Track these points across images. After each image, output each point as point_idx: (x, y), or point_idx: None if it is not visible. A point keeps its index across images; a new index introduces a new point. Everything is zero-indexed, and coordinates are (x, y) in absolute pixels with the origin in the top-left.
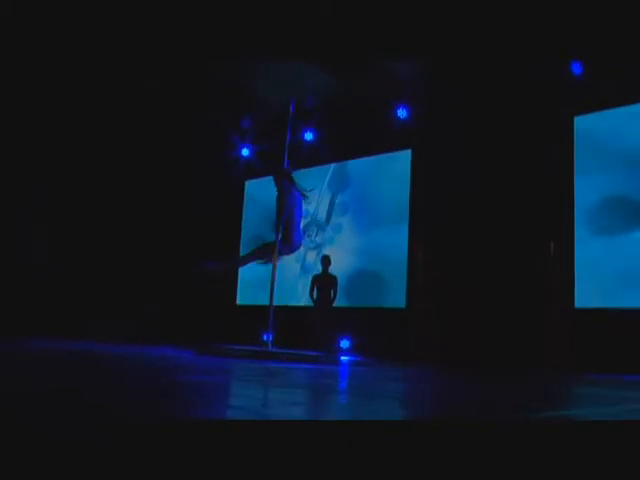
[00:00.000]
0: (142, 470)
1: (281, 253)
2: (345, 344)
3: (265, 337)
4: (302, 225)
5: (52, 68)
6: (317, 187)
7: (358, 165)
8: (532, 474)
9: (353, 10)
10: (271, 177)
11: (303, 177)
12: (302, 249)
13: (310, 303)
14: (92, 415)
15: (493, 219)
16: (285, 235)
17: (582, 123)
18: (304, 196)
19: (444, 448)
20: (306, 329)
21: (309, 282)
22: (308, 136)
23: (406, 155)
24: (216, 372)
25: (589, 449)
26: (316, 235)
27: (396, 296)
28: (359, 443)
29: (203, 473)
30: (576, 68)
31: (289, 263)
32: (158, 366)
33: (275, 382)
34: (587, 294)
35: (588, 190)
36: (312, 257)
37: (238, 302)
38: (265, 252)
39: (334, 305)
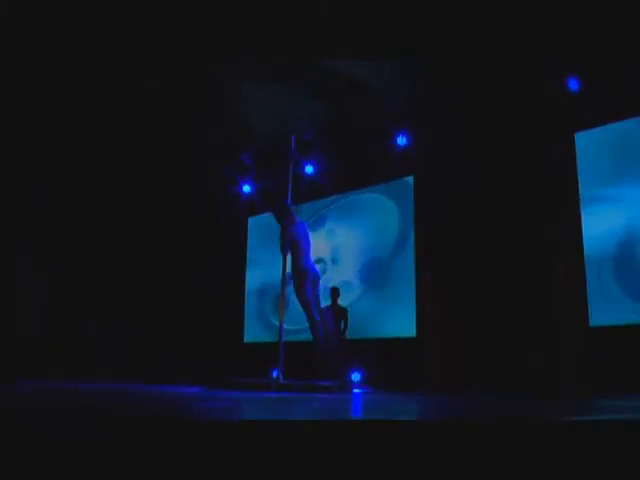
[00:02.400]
0: (142, 469)
1: (298, 284)
2: (356, 377)
3: (275, 373)
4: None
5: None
6: (321, 218)
7: (362, 195)
8: (533, 474)
9: (353, 14)
10: (270, 213)
11: (305, 210)
12: None
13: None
14: (92, 415)
15: (500, 243)
16: (295, 267)
17: (582, 138)
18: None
19: (447, 447)
20: (316, 363)
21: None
22: (309, 169)
23: (409, 182)
24: (228, 399)
25: (589, 449)
26: (324, 271)
27: (406, 325)
28: (362, 442)
29: (204, 472)
30: (573, 84)
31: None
32: (165, 394)
33: (292, 406)
34: (601, 312)
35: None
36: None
37: (245, 340)
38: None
39: (346, 336)
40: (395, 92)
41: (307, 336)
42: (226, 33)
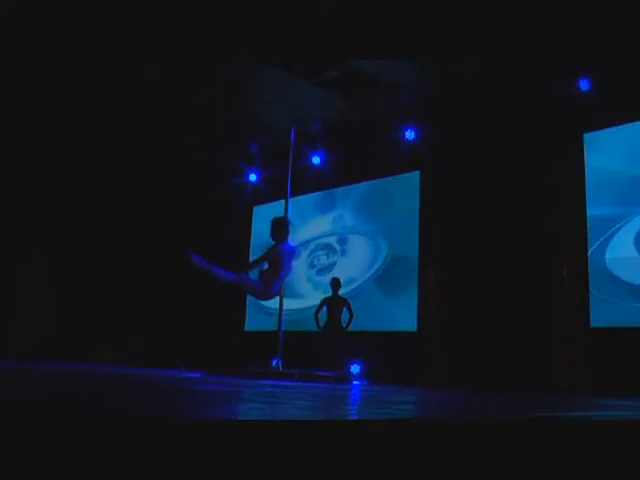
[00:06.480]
0: (143, 469)
1: (258, 296)
2: (355, 369)
3: (274, 362)
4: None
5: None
6: (326, 210)
7: (367, 188)
8: (532, 474)
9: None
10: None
11: (312, 201)
12: (312, 270)
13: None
14: (94, 413)
15: (503, 240)
16: (267, 283)
17: (591, 139)
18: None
19: (444, 447)
20: (316, 353)
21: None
22: (315, 160)
23: (415, 177)
24: (225, 383)
25: (588, 448)
26: (327, 257)
27: (407, 320)
28: (361, 442)
29: (205, 473)
30: (583, 85)
31: (299, 284)
32: (165, 379)
33: (288, 392)
34: (603, 313)
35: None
36: (324, 279)
37: (246, 328)
38: (248, 285)
39: (350, 327)
40: (404, 86)
41: (307, 326)
42: (229, 26)
